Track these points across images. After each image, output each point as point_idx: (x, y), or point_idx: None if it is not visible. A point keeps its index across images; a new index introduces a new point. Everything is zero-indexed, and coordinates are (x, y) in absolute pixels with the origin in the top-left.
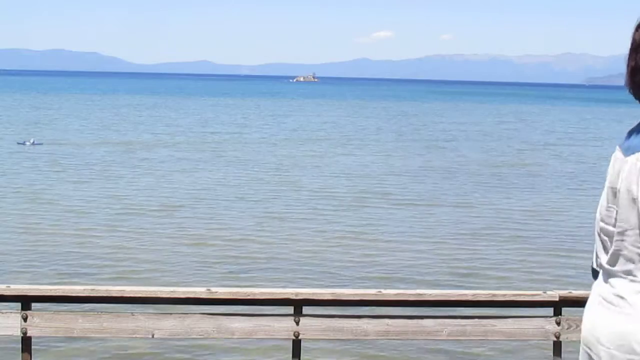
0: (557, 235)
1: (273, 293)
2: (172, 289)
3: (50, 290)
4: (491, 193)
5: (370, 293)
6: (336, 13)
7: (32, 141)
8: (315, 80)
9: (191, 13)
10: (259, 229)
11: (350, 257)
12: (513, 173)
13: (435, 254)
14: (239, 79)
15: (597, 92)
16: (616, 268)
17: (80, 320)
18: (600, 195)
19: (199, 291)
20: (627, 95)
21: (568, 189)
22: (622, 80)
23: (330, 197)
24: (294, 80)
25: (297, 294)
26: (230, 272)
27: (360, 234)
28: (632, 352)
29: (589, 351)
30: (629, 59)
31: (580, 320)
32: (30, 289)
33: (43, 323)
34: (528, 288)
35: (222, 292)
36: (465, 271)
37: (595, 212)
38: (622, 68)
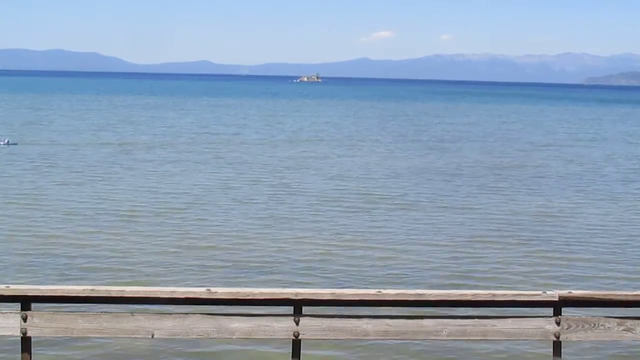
0: (559, 237)
1: (273, 293)
2: (172, 289)
3: (50, 290)
4: (494, 195)
5: (370, 293)
6: (336, 13)
7: (6, 141)
8: (319, 80)
9: (191, 13)
10: (260, 230)
11: (352, 259)
12: (516, 175)
13: (437, 256)
14: (240, 79)
15: (597, 92)
16: None
17: (80, 321)
18: (604, 197)
19: (199, 291)
20: (628, 95)
21: (570, 191)
22: (622, 81)
23: (332, 200)
24: (298, 80)
25: (297, 294)
26: (231, 273)
27: (363, 236)
28: None
29: None
30: None
31: (581, 321)
32: (29, 289)
33: (43, 323)
34: (528, 288)
35: (222, 292)
36: (466, 272)
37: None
38: (622, 68)
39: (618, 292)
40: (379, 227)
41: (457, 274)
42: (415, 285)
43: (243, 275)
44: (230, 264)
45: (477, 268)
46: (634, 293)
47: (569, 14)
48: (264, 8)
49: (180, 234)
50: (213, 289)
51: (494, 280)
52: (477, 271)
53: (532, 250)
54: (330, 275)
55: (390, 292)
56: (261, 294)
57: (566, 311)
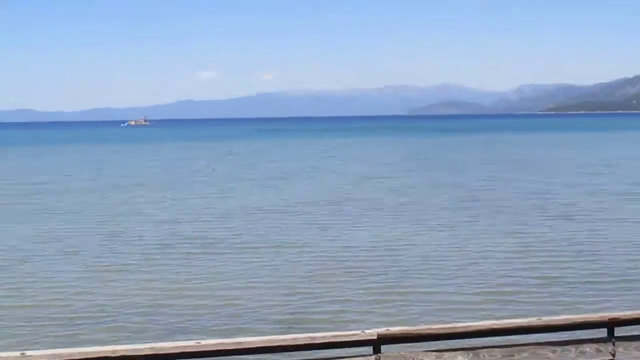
0: (393, 270)
1: (87, 352)
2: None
3: None
4: (327, 230)
5: (190, 345)
6: (159, 55)
7: None
8: (146, 123)
9: (5, 59)
10: (90, 283)
11: (187, 308)
12: (346, 209)
13: (273, 298)
14: (66, 126)
15: (421, 122)
16: None
17: None
18: (435, 226)
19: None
20: (447, 124)
21: (402, 221)
22: (443, 110)
23: (165, 245)
24: (126, 124)
25: (114, 352)
26: (56, 331)
27: (198, 282)
28: None
29: None
30: None
31: (400, 357)
32: None
33: None
34: (360, 327)
35: (37, 355)
36: (303, 313)
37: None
38: (442, 97)
39: (433, 326)
40: (215, 272)
41: (293, 315)
42: (254, 330)
43: (69, 331)
44: (57, 320)
45: (313, 309)
46: (448, 326)
47: (378, 47)
48: (85, 53)
49: (5, 290)
50: (28, 353)
51: (331, 320)
52: (314, 312)
53: (369, 286)
54: (165, 326)
55: (209, 342)
56: (79, 353)
57: (385, 348)
